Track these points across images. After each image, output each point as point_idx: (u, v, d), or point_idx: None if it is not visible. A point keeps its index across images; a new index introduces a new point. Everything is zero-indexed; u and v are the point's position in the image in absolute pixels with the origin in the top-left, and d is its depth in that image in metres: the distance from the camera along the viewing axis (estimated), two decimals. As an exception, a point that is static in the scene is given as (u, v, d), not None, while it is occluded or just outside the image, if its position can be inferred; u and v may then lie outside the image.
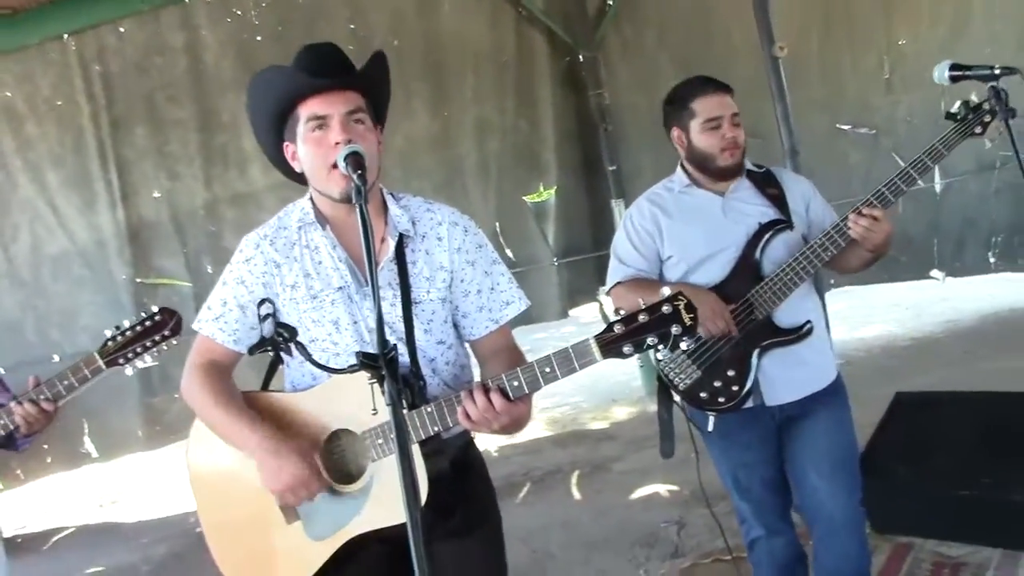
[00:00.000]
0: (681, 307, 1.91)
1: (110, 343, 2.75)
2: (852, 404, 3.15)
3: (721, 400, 2.98)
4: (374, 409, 2.02)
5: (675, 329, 1.90)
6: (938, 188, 7.16)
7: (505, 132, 6.82)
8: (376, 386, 1.90)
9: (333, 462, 2.20)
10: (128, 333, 2.76)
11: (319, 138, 2.13)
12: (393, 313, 2.20)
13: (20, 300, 6.68)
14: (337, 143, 2.09)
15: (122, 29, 6.65)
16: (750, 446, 3.08)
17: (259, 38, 6.70)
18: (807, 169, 6.49)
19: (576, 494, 5.80)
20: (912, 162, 2.89)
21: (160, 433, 6.57)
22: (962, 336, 7.93)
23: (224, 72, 6.58)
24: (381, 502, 2.12)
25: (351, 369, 2.12)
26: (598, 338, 1.94)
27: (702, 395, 2.99)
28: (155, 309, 2.80)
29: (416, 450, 2.05)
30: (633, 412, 7.46)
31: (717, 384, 2.97)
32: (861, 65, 7.26)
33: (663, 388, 3.07)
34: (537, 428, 7.62)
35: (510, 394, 2.01)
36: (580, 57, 7.00)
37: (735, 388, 2.97)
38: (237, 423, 2.20)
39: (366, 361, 1.90)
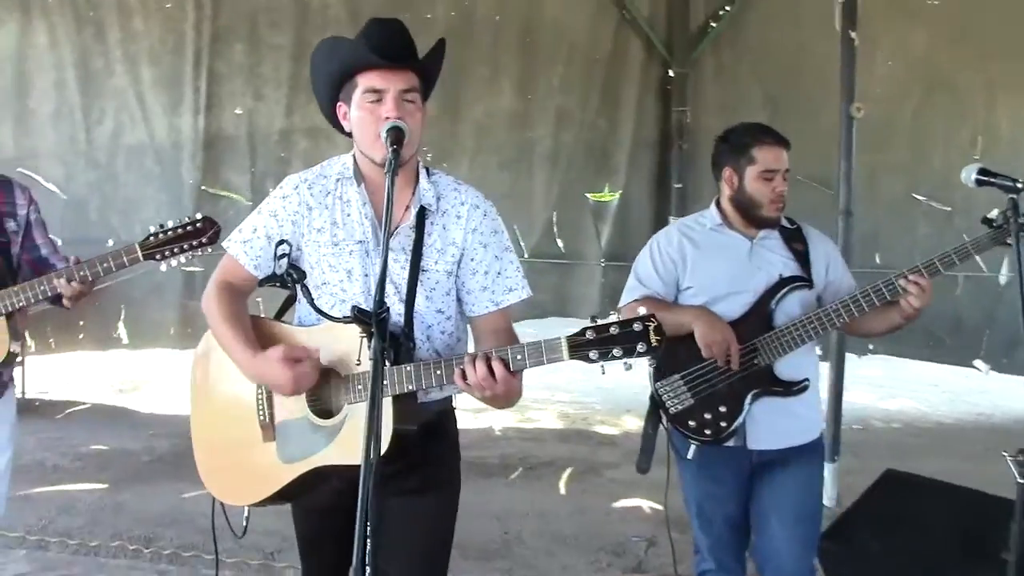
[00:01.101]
0: (651, 328, 2.03)
1: (151, 238, 2.95)
2: (855, 469, 3.18)
3: (707, 432, 3.05)
4: (358, 360, 2.18)
5: (640, 347, 2.03)
6: (1002, 280, 7.00)
7: (583, 127, 6.88)
8: (364, 340, 2.05)
9: (318, 395, 2.35)
10: (169, 232, 2.95)
11: (372, 108, 2.28)
12: (401, 276, 2.36)
13: (91, 180, 6.99)
14: (387, 117, 2.24)
15: (242, -53, 6.86)
16: (722, 481, 3.16)
17: (369, -16, 6.82)
18: (872, 229, 6.46)
19: (562, 489, 5.92)
20: (940, 255, 2.98)
21: (191, 335, 6.80)
22: (990, 432, 7.79)
23: (329, 9, 6.79)
24: (347, 442, 2.26)
25: (345, 320, 2.25)
26: (569, 339, 2.07)
27: (690, 423, 3.06)
28: (199, 216, 2.99)
29: (388, 403, 2.17)
30: (641, 426, 7.49)
31: (707, 416, 3.05)
32: (953, 139, 7.14)
33: (654, 407, 3.16)
34: (546, 418, 7.70)
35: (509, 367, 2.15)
36: (671, 71, 6.97)
37: (723, 424, 3.04)
38: (237, 342, 2.39)
39: (359, 316, 2.09)
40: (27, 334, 7.03)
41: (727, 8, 6.92)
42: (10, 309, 2.99)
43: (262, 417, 2.39)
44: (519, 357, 2.13)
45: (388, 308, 2.01)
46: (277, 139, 6.81)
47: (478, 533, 4.89)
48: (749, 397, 3.03)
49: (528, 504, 5.51)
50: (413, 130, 2.25)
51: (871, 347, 6.62)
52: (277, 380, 2.31)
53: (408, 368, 2.21)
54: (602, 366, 2.07)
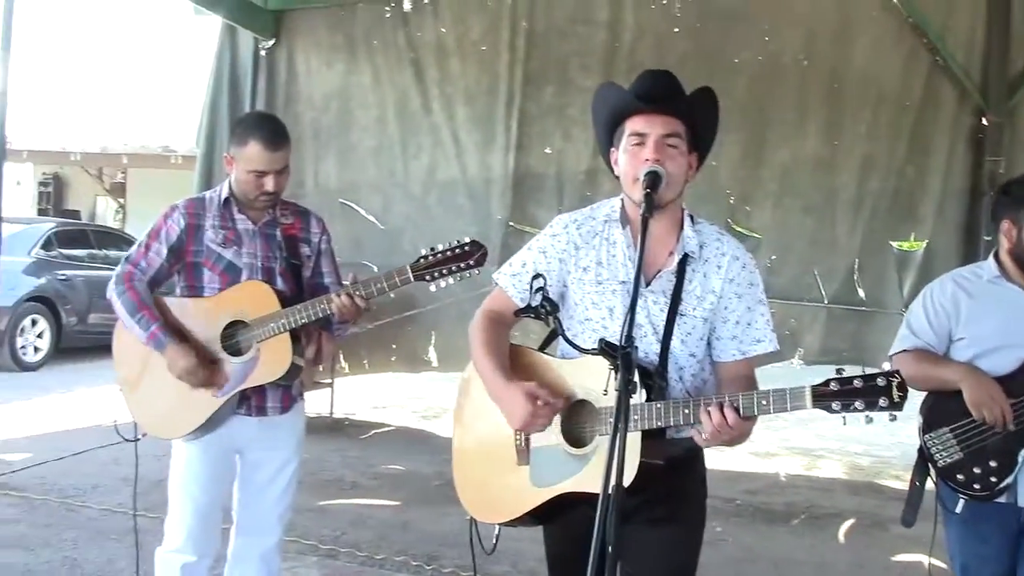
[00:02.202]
0: (894, 384, 2.09)
1: (422, 260, 3.11)
2: None
3: (976, 487, 3.03)
4: (605, 391, 2.22)
5: (882, 402, 2.09)
6: None
7: (890, 174, 6.78)
8: (612, 372, 2.15)
9: (571, 425, 2.48)
10: (439, 255, 3.10)
11: (635, 152, 2.42)
12: (659, 317, 2.49)
13: (406, 212, 7.58)
14: (647, 160, 2.39)
15: (556, -7, 7.25)
16: (988, 539, 3.11)
17: (676, 30, 7.10)
18: None
19: (842, 539, 5.91)
20: None
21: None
22: None
23: (637, 54, 7.07)
24: (597, 471, 2.27)
25: (592, 352, 2.32)
26: (814, 388, 2.16)
27: (958, 476, 3.05)
28: (467, 239, 3.12)
29: (636, 437, 2.29)
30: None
31: (976, 471, 3.03)
32: None
33: (922, 460, 3.18)
34: (836, 468, 7.61)
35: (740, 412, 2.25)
36: (985, 120, 6.76)
37: (993, 479, 3.02)
38: (491, 367, 2.54)
39: (605, 349, 2.20)
40: (341, 356, 7.67)
41: (1049, 54, 6.67)
42: (292, 326, 3.17)
43: (518, 442, 2.53)
44: (764, 403, 2.22)
45: (635, 343, 2.13)
46: (584, 179, 7.12)
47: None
48: (1023, 453, 2.99)
49: (807, 552, 5.56)
50: (673, 175, 2.40)
51: None
52: (513, 410, 2.45)
53: (659, 405, 2.32)
54: (843, 417, 2.14)
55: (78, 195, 21.09)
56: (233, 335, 3.25)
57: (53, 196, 20.93)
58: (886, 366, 2.16)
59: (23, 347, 10.97)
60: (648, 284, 2.48)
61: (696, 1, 7.04)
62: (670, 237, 2.51)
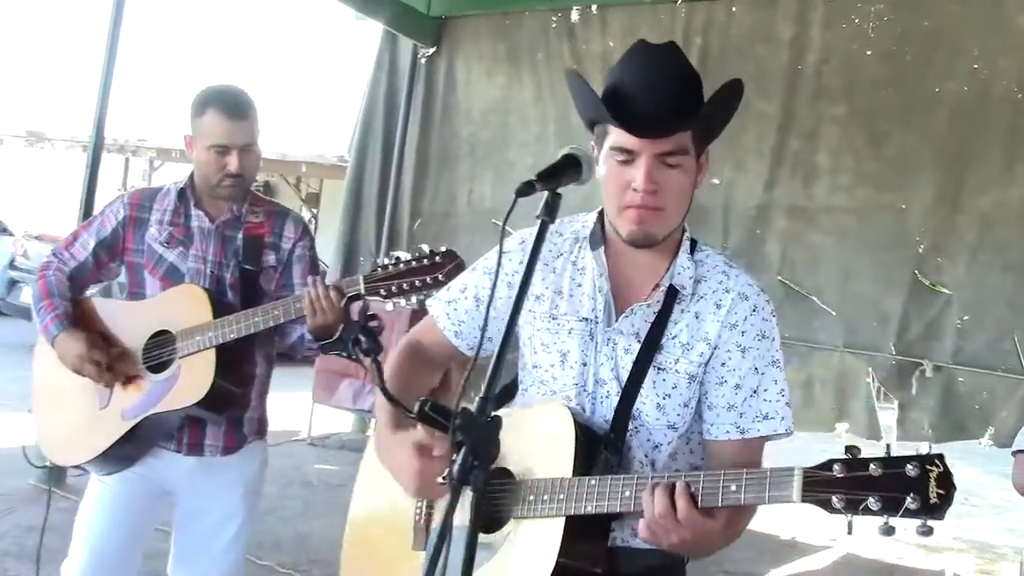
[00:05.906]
0: (932, 475, 1.46)
1: (379, 269, 2.62)
2: None
3: None
4: (443, 478, 1.58)
5: (911, 501, 1.45)
6: None
7: (1116, 231, 5.92)
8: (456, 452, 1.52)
9: (490, 501, 1.91)
10: (401, 266, 2.59)
11: (620, 172, 1.89)
12: (625, 368, 1.94)
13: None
14: (635, 189, 1.85)
15: (734, 9, 6.87)
16: None
17: (868, 52, 6.49)
18: None
19: None
20: None
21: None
22: None
23: (824, 77, 6.51)
24: (504, 569, 1.82)
25: (411, 416, 1.83)
26: (807, 472, 1.55)
27: None
28: (442, 249, 2.60)
29: (557, 526, 1.76)
30: None
31: None
32: None
33: None
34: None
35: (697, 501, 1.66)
36: None
37: None
38: (385, 412, 2.02)
39: (429, 413, 1.72)
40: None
41: None
42: (219, 341, 2.73)
43: (417, 517, 2.02)
44: (733, 488, 1.63)
45: (497, 417, 1.52)
46: (754, 214, 6.56)
47: None
48: None
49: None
50: (672, 208, 1.88)
51: None
52: (398, 470, 1.93)
53: (592, 481, 1.75)
54: (849, 521, 1.51)
55: (284, 204, 21.54)
56: (162, 346, 2.84)
57: (262, 203, 21.52)
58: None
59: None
60: (616, 321, 1.95)
61: (895, 21, 6.36)
62: (659, 266, 1.98)
